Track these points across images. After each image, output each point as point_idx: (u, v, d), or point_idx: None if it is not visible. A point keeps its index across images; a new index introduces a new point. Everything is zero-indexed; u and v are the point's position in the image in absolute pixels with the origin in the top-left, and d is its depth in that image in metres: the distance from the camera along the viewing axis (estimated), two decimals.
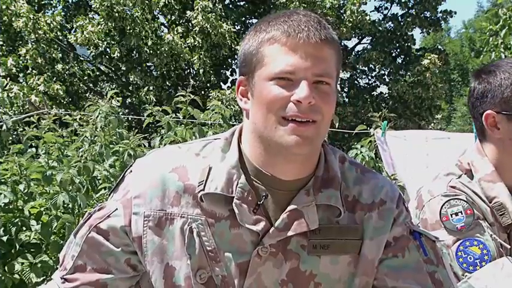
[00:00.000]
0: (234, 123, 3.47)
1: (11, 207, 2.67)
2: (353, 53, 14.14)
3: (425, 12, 13.70)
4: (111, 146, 3.07)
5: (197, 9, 10.59)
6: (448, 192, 1.44)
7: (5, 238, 2.58)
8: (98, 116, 3.21)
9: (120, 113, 3.48)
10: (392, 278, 1.12)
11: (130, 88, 11.98)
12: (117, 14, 10.36)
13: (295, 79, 1.01)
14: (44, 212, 2.67)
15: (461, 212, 1.39)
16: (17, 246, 2.57)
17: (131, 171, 1.15)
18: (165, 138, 3.12)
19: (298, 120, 1.02)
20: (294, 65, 1.01)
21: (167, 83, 11.94)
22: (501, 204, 1.42)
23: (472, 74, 1.54)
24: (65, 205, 2.65)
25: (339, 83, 1.12)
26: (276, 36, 1.03)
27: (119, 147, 3.00)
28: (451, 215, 1.40)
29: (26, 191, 2.70)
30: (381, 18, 13.99)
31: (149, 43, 10.69)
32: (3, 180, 2.70)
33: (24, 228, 2.62)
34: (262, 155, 1.09)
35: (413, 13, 13.64)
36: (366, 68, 14.24)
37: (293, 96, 1.01)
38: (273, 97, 1.02)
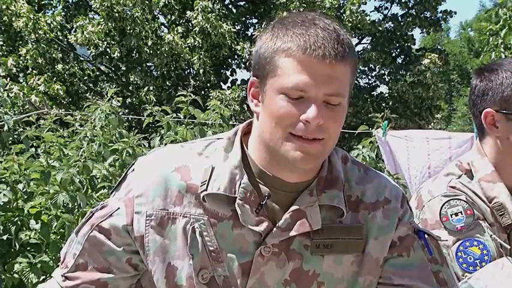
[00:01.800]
0: (235, 123, 3.47)
1: (10, 206, 2.67)
2: None
3: (425, 12, 13.69)
4: (110, 144, 3.08)
5: (197, 9, 10.59)
6: (448, 192, 1.44)
7: (4, 237, 2.57)
8: (98, 116, 3.21)
9: (120, 113, 3.48)
10: (398, 276, 1.12)
11: (130, 88, 11.99)
12: (117, 14, 10.37)
13: (306, 97, 1.01)
14: (43, 212, 2.67)
15: (461, 212, 1.39)
16: (17, 246, 2.56)
17: (133, 169, 1.15)
18: (166, 138, 3.12)
19: (304, 137, 1.02)
20: (306, 84, 1.00)
21: (167, 83, 11.95)
22: (501, 204, 1.42)
23: (474, 71, 1.54)
24: (65, 204, 2.65)
25: None
26: (292, 49, 1.01)
27: (118, 145, 3.00)
28: (451, 215, 1.40)
29: (25, 190, 2.70)
30: (381, 18, 13.98)
31: (149, 43, 10.70)
32: (2, 180, 2.69)
33: (23, 228, 2.62)
34: (267, 159, 1.09)
35: (413, 13, 13.63)
36: (366, 68, 14.23)
37: (302, 115, 1.01)
38: (283, 113, 1.02)
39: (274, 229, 1.07)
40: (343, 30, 1.05)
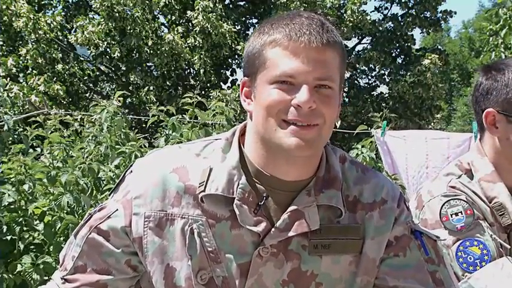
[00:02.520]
0: (235, 123, 3.48)
1: (14, 207, 2.67)
2: (353, 53, 14.14)
3: (425, 12, 13.69)
4: (116, 147, 3.07)
5: (197, 9, 10.59)
6: (448, 192, 1.44)
7: (8, 238, 2.57)
8: (104, 117, 3.21)
9: (121, 113, 3.48)
10: (393, 276, 1.12)
11: (130, 88, 11.97)
12: (117, 14, 10.36)
13: (296, 83, 1.01)
14: (47, 213, 2.67)
15: (461, 212, 1.39)
16: (21, 247, 2.56)
17: (131, 171, 1.15)
18: (171, 139, 3.12)
19: (299, 124, 1.02)
20: (295, 69, 1.01)
21: (167, 83, 11.94)
22: (501, 204, 1.42)
23: (481, 68, 1.53)
24: (69, 205, 2.66)
25: None
26: (278, 39, 1.03)
27: (126, 148, 3.00)
28: (451, 215, 1.40)
29: (30, 191, 2.70)
30: (381, 18, 13.98)
31: (149, 43, 10.69)
32: (7, 180, 2.69)
33: (26, 229, 2.62)
34: (265, 156, 1.09)
35: (413, 13, 13.63)
36: (366, 68, 14.23)
37: (293, 100, 1.01)
38: (273, 101, 1.02)
39: (273, 230, 1.07)
40: (329, 22, 1.06)
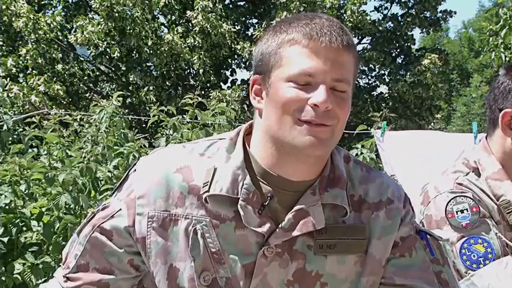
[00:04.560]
0: (236, 123, 3.47)
1: (11, 207, 2.66)
2: None
3: (425, 12, 13.70)
4: (115, 147, 3.07)
5: (197, 9, 10.59)
6: (454, 189, 1.44)
7: (5, 239, 2.57)
8: (102, 117, 3.20)
9: (121, 113, 3.47)
10: (400, 276, 1.12)
11: (130, 88, 11.97)
12: (117, 14, 10.36)
13: (314, 82, 1.01)
14: (45, 213, 2.67)
15: (466, 209, 1.39)
16: (18, 247, 2.56)
17: (135, 170, 1.14)
18: (172, 140, 3.12)
19: (313, 123, 1.01)
20: (314, 68, 1.00)
21: (167, 83, 11.94)
22: (508, 202, 1.42)
23: (506, 65, 1.53)
24: (67, 206, 2.65)
25: None
26: (297, 38, 1.02)
27: (124, 149, 3.00)
28: (457, 212, 1.40)
29: (26, 191, 2.69)
30: (380, 18, 13.98)
31: (149, 43, 10.69)
32: (3, 181, 2.69)
33: (25, 229, 2.62)
34: (273, 155, 1.07)
35: (413, 13, 13.64)
36: (366, 68, 14.24)
37: (310, 99, 1.00)
38: (290, 98, 1.01)
39: (277, 230, 1.06)
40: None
